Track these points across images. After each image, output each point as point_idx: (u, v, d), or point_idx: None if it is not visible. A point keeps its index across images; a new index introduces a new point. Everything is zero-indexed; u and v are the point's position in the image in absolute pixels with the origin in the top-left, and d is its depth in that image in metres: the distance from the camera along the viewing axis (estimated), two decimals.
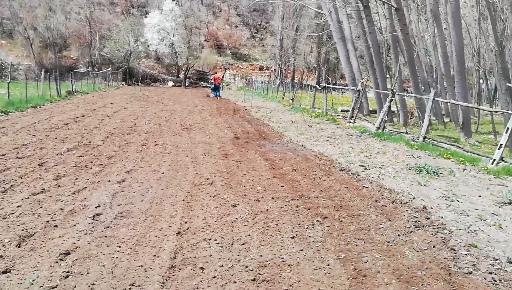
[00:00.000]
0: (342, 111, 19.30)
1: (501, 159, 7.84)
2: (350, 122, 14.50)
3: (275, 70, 45.13)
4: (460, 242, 4.09)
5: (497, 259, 3.77)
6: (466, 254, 3.82)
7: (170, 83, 41.79)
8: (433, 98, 10.13)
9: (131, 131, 10.19)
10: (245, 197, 5.15)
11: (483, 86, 27.46)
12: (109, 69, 32.54)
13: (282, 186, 5.76)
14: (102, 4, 64.51)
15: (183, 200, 4.93)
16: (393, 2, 11.79)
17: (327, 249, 3.76)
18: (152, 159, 7.17)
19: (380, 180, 6.56)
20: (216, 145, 8.80)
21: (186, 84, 41.43)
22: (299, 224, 4.35)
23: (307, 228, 4.26)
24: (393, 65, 14.28)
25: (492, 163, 7.81)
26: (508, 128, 7.81)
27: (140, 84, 39.25)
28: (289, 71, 47.56)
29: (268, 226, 4.23)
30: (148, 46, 41.96)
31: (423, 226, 4.50)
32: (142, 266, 3.30)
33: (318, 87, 18.19)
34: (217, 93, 26.56)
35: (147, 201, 4.86)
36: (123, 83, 37.32)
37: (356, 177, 6.64)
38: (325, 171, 6.89)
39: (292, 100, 22.56)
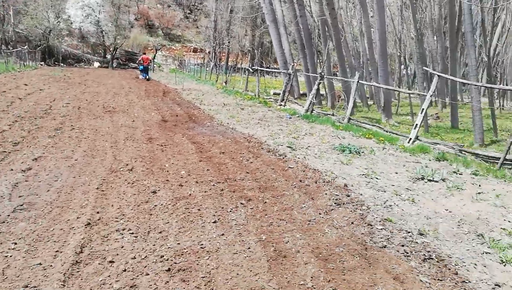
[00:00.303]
0: (274, 94, 19.48)
1: (417, 138, 8.38)
2: (281, 105, 14.66)
3: (209, 52, 44.28)
4: (377, 217, 4.25)
5: (409, 232, 3.96)
6: (381, 229, 3.97)
7: (96, 64, 39.17)
8: (358, 81, 10.52)
9: (45, 115, 9.29)
10: (167, 183, 4.90)
11: (404, 71, 29.44)
12: (25, 47, 29.49)
13: (208, 169, 5.57)
14: None
15: (97, 188, 4.54)
16: None
17: (249, 232, 3.67)
18: (65, 144, 6.56)
19: (306, 160, 6.66)
20: (141, 129, 8.33)
21: (114, 65, 39.15)
22: (222, 207, 4.22)
23: (230, 211, 4.14)
24: (323, 49, 14.64)
25: (409, 142, 8.33)
26: (423, 108, 8.35)
27: (61, 64, 36.25)
28: (223, 54, 46.92)
29: (189, 212, 4.04)
30: (71, 23, 38.78)
31: (344, 203, 4.62)
32: (40, 264, 2.94)
33: (250, 70, 18.11)
34: (146, 75, 25.42)
35: (54, 191, 4.40)
36: (42, 63, 34.19)
37: (283, 158, 6.67)
38: (253, 153, 6.82)
39: (226, 82, 22.29)
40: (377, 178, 5.88)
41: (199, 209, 4.12)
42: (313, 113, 12.41)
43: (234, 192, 4.72)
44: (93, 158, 5.86)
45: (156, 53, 42.88)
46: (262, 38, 51.02)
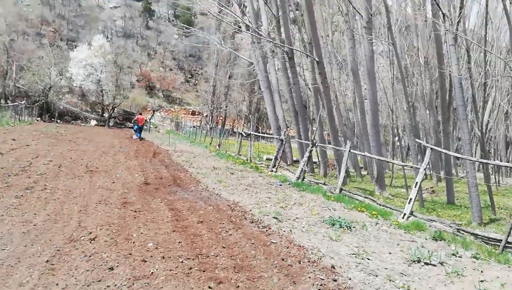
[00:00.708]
0: (267, 159, 19.23)
1: (411, 213, 7.89)
2: (272, 171, 14.29)
3: (206, 115, 45.04)
4: None
5: None
6: None
7: (93, 122, 39.45)
8: (349, 150, 10.26)
9: (21, 172, 8.80)
10: (129, 257, 4.31)
11: (397, 142, 29.71)
12: (23, 102, 29.76)
13: (180, 242, 5.00)
14: (27, 34, 60.85)
15: (47, 261, 3.95)
16: (315, 55, 12.21)
17: None
18: (30, 206, 6.02)
19: (292, 234, 6.10)
20: (119, 191, 7.82)
21: (111, 124, 39.41)
22: None
23: None
24: (315, 116, 14.67)
25: (403, 217, 7.82)
26: (416, 182, 7.97)
27: (58, 120, 36.43)
28: (220, 118, 47.71)
29: None
30: (72, 81, 39.73)
31: None
32: None
33: (244, 134, 18.04)
34: (140, 135, 25.37)
35: None
36: (39, 118, 34.32)
37: (267, 231, 6.11)
38: (235, 224, 6.28)
39: (219, 146, 22.15)
40: (368, 259, 5.30)
41: None
42: (304, 181, 11.98)
43: (204, 271, 4.12)
44: (55, 223, 5.30)
45: (153, 114, 43.44)
46: (259, 104, 52.23)
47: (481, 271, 5.27)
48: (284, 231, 6.25)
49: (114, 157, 13.63)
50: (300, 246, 5.42)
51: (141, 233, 5.23)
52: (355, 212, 8.47)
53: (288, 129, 16.12)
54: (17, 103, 29.16)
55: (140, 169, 11.32)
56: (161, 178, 10.13)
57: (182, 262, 4.33)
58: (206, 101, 45.61)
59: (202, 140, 29.84)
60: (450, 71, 8.13)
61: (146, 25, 77.74)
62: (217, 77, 44.25)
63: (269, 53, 17.60)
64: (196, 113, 55.24)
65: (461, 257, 5.82)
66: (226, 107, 43.50)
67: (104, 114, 41.36)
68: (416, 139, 8.50)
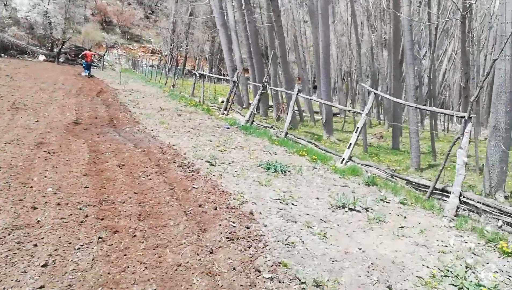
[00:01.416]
0: (222, 102, 18.61)
1: (350, 158, 7.79)
2: (224, 113, 13.81)
3: (166, 55, 42.80)
4: (269, 260, 3.44)
5: (303, 283, 3.18)
6: (268, 278, 3.16)
7: (41, 57, 36.51)
8: (297, 94, 9.89)
9: None
10: (19, 204, 3.84)
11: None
12: None
13: (86, 187, 4.56)
14: None
15: None
16: None
17: (82, 285, 2.72)
18: None
19: (221, 179, 5.80)
20: (38, 131, 7.14)
21: (61, 60, 36.69)
22: (70, 243, 3.24)
23: (78, 249, 3.16)
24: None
25: (342, 162, 7.72)
26: (357, 127, 7.80)
27: (1, 55, 33.41)
28: (181, 58, 45.64)
29: (18, 249, 3.02)
30: (16, 11, 36.10)
31: (237, 238, 3.78)
32: None
33: (197, 74, 17.18)
34: (88, 72, 23.81)
35: None
36: None
37: (193, 175, 5.77)
38: (160, 168, 5.88)
39: (173, 86, 21.18)
40: (293, 204, 5.12)
41: (35, 245, 3.12)
42: (253, 125, 11.64)
43: (102, 219, 3.75)
44: None
45: (106, 51, 40.69)
46: None
47: (405, 217, 5.25)
48: (214, 175, 5.94)
49: (50, 95, 12.59)
50: (223, 191, 5.14)
51: (45, 177, 4.72)
52: (296, 156, 8.29)
53: (244, 71, 15.44)
54: None
55: (75, 108, 10.49)
56: (96, 118, 9.43)
57: (80, 209, 3.92)
58: (165, 39, 43.11)
59: (158, 80, 28.54)
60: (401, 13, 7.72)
61: None
62: (177, 14, 41.55)
63: None
64: (157, 52, 52.54)
65: (388, 202, 5.79)
66: (187, 46, 41.31)
67: (54, 49, 38.31)
68: (362, 84, 8.21)
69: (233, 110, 14.54)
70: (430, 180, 6.56)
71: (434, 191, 5.89)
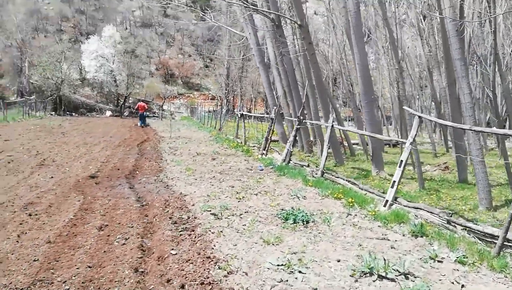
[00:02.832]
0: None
1: (395, 199, 6.26)
2: (263, 153, 12.83)
3: (221, 98, 43.80)
4: None
5: None
6: None
7: (108, 113, 39.23)
8: (332, 125, 8.63)
9: None
10: None
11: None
12: (32, 97, 29.72)
13: (36, 259, 3.76)
14: (47, 31, 61.50)
15: None
16: (297, 18, 10.48)
17: None
18: None
19: (218, 237, 4.72)
20: (42, 189, 6.71)
21: (126, 114, 39.01)
22: None
23: None
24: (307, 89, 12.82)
25: (385, 205, 6.22)
26: (401, 160, 6.31)
27: (73, 114, 36.44)
28: (237, 101, 46.30)
29: None
30: (86, 73, 39.69)
31: None
32: None
33: (238, 115, 16.62)
34: (143, 122, 24.65)
35: None
36: (53, 113, 34.41)
37: (184, 234, 4.76)
38: (149, 227, 4.98)
39: (220, 129, 20.88)
40: (300, 272, 3.84)
41: None
42: (289, 164, 10.47)
43: None
44: None
45: (164, 101, 42.54)
46: None
47: (462, 286, 3.69)
48: (212, 232, 4.88)
49: (90, 148, 12.66)
50: (209, 257, 4.03)
51: (1, 247, 4.03)
52: (329, 200, 6.94)
53: (280, 106, 14.52)
54: (24, 98, 29.08)
55: (104, 160, 10.23)
56: (118, 169, 8.99)
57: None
58: (220, 84, 44.27)
59: (210, 125, 28.72)
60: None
61: (164, 13, 77.03)
62: (230, 59, 42.63)
63: (261, 23, 15.91)
64: (215, 98, 54.18)
65: (441, 261, 4.23)
66: (241, 89, 41.83)
67: (119, 105, 41.07)
68: (404, 107, 6.68)
69: (273, 149, 13.52)
70: (500, 226, 4.83)
71: (506, 242, 4.21)
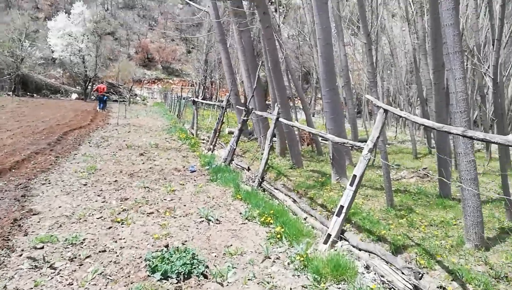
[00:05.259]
0: (229, 133, 15.50)
1: (342, 233, 4.11)
2: (210, 149, 10.58)
3: (195, 84, 41.22)
4: None
5: None
6: None
7: (74, 96, 36.39)
8: (277, 118, 6.42)
9: None
10: None
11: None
12: None
13: None
14: (23, 8, 57.62)
15: None
16: None
17: None
18: None
19: None
20: None
21: (93, 98, 36.18)
22: None
23: None
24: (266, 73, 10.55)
25: (325, 242, 4.05)
26: (354, 175, 4.14)
27: (34, 95, 33.53)
28: (215, 88, 43.79)
29: None
30: (52, 52, 36.59)
31: None
32: None
33: (193, 101, 14.30)
34: (102, 106, 22.24)
35: None
36: (9, 93, 31.48)
37: None
38: None
39: (178, 117, 18.55)
40: None
41: None
42: (231, 165, 8.26)
43: None
44: None
45: (132, 85, 39.73)
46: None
47: None
48: None
49: None
50: None
51: None
52: (253, 225, 4.76)
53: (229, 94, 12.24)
54: None
55: None
56: None
57: None
58: (198, 70, 41.71)
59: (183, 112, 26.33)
60: None
61: None
62: (209, 43, 40.05)
63: None
64: (195, 84, 51.61)
65: None
66: (219, 76, 39.27)
67: (88, 87, 38.20)
68: (366, 95, 4.60)
69: (221, 144, 11.27)
70: None
71: None
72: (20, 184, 5.67)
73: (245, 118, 8.43)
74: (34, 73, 35.00)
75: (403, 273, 3.25)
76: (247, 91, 13.61)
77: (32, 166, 6.95)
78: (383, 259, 3.56)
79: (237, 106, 12.00)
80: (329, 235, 4.09)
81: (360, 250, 3.85)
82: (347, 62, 12.81)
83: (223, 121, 10.58)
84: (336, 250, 3.97)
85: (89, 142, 10.51)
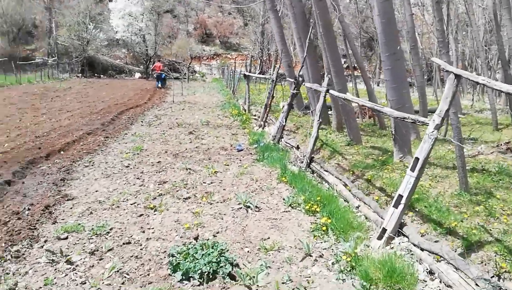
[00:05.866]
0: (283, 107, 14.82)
1: (400, 229, 3.42)
2: (261, 125, 10.10)
3: (253, 58, 40.46)
4: None
5: None
6: None
7: (137, 75, 37.72)
8: (327, 91, 5.70)
9: None
10: None
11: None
12: (51, 59, 28.65)
13: None
14: None
15: None
16: None
17: None
18: None
19: None
20: None
21: (155, 75, 37.31)
22: None
23: None
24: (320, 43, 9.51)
25: (380, 238, 3.40)
26: (416, 157, 3.38)
27: (101, 76, 35.32)
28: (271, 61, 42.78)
29: None
30: (115, 33, 37.99)
31: None
32: None
33: (243, 76, 13.81)
34: (159, 83, 22.75)
35: None
36: (79, 75, 33.43)
37: None
38: None
39: (233, 92, 18.22)
40: None
41: None
42: (280, 143, 7.70)
43: None
44: None
45: (191, 62, 40.05)
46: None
47: None
48: None
49: (51, 116, 10.66)
50: None
51: None
52: (297, 213, 4.22)
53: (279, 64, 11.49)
54: (42, 60, 28.05)
55: (42, 133, 8.11)
56: (40, 148, 6.77)
57: None
58: (254, 42, 40.95)
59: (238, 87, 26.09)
60: None
61: None
62: (265, 14, 38.88)
63: None
64: (254, 58, 51.01)
65: None
66: (275, 48, 38.17)
67: (149, 66, 39.38)
68: (433, 58, 3.62)
69: (272, 120, 10.68)
70: None
71: None
72: (63, 167, 5.65)
73: (294, 91, 7.75)
74: (100, 54, 36.73)
75: (477, 284, 2.53)
76: (301, 63, 12.77)
77: (80, 147, 6.99)
78: (452, 264, 2.84)
79: (287, 79, 11.26)
80: (384, 230, 3.42)
81: (422, 250, 3.14)
82: (413, 23, 11.37)
83: (273, 95, 9.95)
84: (392, 248, 3.31)
85: (142, 121, 10.55)
